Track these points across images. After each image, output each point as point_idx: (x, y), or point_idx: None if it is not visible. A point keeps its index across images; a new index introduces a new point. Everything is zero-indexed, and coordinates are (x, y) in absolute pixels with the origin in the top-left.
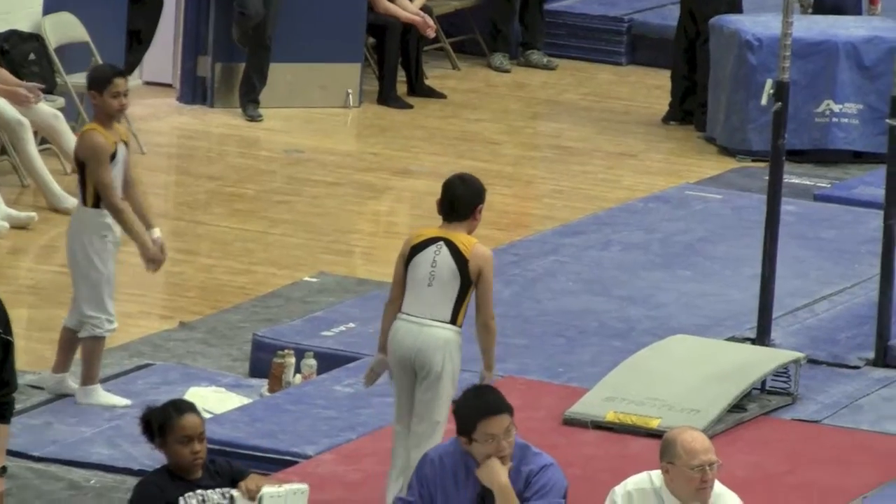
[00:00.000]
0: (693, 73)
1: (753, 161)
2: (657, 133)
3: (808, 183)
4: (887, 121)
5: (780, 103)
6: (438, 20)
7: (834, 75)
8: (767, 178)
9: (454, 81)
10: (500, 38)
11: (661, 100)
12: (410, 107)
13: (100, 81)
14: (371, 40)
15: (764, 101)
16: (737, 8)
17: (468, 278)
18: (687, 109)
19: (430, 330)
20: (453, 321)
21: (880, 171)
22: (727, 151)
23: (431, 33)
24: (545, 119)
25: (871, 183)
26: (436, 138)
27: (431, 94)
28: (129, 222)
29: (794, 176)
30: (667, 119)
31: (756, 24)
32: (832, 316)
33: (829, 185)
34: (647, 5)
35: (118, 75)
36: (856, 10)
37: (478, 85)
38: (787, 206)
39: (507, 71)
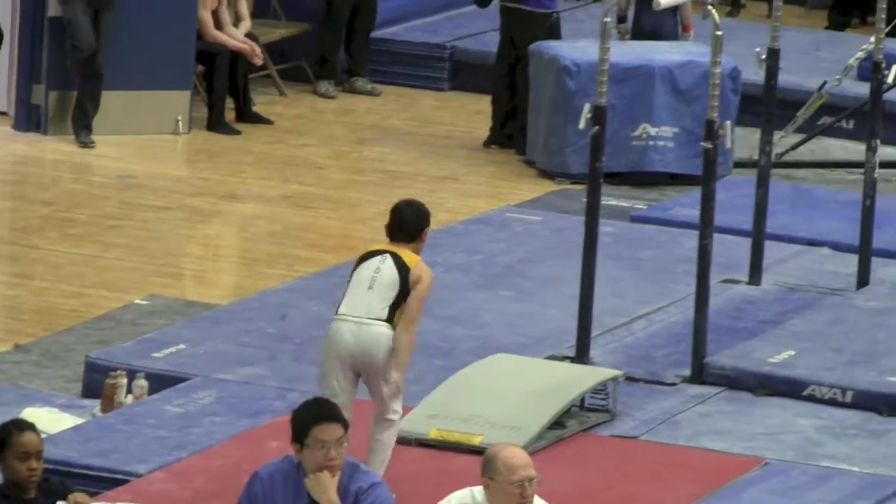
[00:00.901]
0: (513, 98)
1: (572, 183)
2: (479, 157)
3: (625, 204)
4: (702, 143)
5: (597, 127)
6: (265, 47)
7: (650, 99)
8: (586, 199)
9: (281, 108)
10: (325, 65)
11: (482, 124)
12: (238, 133)
13: None
14: (200, 68)
15: (582, 125)
16: (555, 34)
17: (407, 287)
18: (507, 133)
19: (370, 328)
20: (389, 321)
21: (695, 193)
22: (546, 174)
23: (259, 61)
24: (370, 144)
25: (686, 204)
26: (263, 163)
27: (259, 120)
28: None
29: (611, 198)
30: (488, 143)
31: (574, 49)
32: (649, 334)
33: (645, 207)
34: (469, 32)
35: None
36: (672, 36)
37: (304, 111)
38: (605, 228)
39: (332, 97)
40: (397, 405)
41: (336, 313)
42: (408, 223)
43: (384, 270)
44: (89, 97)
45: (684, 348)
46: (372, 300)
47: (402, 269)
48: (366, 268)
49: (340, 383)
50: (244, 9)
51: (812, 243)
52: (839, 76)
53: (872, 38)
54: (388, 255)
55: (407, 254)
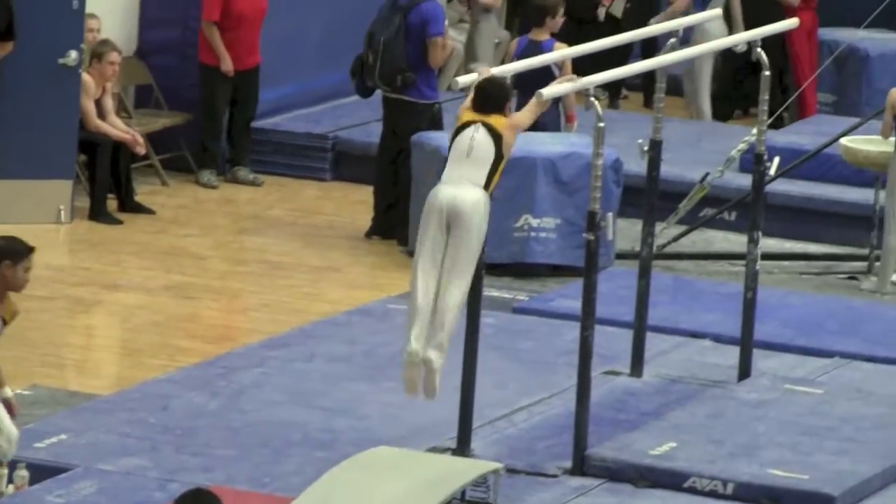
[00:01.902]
0: (395, 189)
1: None
2: (361, 247)
3: (507, 296)
4: (584, 235)
5: None
6: (148, 137)
7: (532, 190)
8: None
9: (163, 197)
10: (207, 155)
11: (364, 214)
12: (121, 222)
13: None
14: (82, 157)
15: None
16: (438, 125)
17: (501, 152)
18: (390, 224)
19: (466, 190)
20: (486, 187)
21: (577, 284)
22: None
23: (141, 150)
24: (252, 234)
25: (568, 295)
26: (145, 253)
27: (141, 209)
28: None
29: (493, 289)
30: (370, 233)
31: None
32: (531, 426)
33: (527, 298)
34: (351, 122)
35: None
36: (555, 127)
37: (186, 201)
38: (487, 319)
39: (214, 187)
40: (467, 270)
41: (440, 180)
42: (492, 97)
43: (478, 139)
44: None
45: (566, 440)
46: (468, 168)
47: (496, 136)
48: (463, 137)
49: (432, 238)
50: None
51: (694, 335)
52: (721, 168)
53: (755, 130)
54: (479, 125)
55: (498, 120)
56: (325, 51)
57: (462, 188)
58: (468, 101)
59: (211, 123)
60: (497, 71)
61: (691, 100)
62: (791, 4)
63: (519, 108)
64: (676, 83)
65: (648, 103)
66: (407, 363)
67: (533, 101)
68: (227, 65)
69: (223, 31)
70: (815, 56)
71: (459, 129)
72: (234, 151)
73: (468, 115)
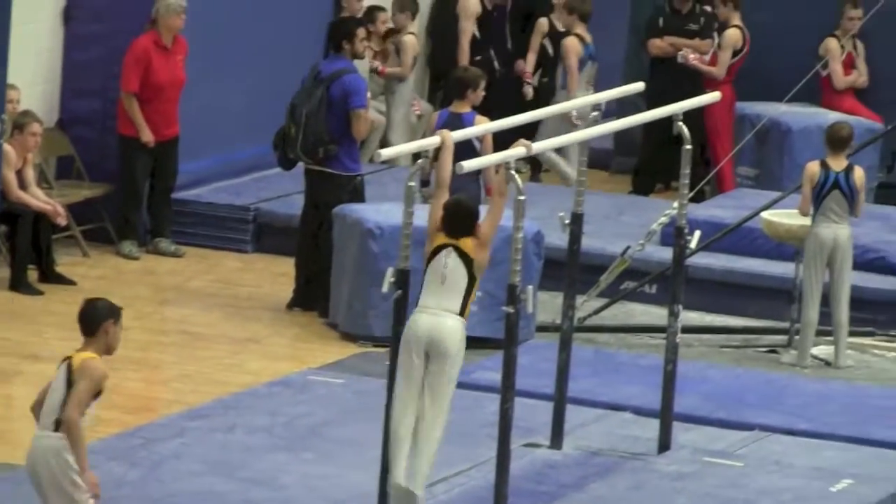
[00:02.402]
0: (317, 261)
1: (375, 346)
2: (282, 319)
3: None
4: (504, 308)
5: (400, 291)
6: (69, 208)
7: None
8: (388, 363)
9: (84, 268)
10: (128, 226)
11: (285, 286)
12: (41, 293)
13: None
14: (3, 227)
15: (385, 288)
16: (359, 197)
17: (473, 275)
18: (311, 296)
19: (444, 319)
20: (461, 314)
21: (498, 357)
22: (350, 337)
23: (63, 221)
24: (173, 305)
25: (489, 368)
26: (66, 324)
27: (62, 280)
28: None
29: None
30: (291, 305)
31: (378, 212)
32: (450, 498)
33: None
34: (273, 194)
35: None
36: (475, 200)
37: (107, 272)
38: None
39: (135, 258)
40: (447, 395)
41: (416, 305)
42: (462, 220)
43: (451, 265)
44: None
45: None
46: (444, 296)
47: (468, 261)
48: (436, 264)
49: (411, 366)
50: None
51: (614, 407)
52: (642, 241)
53: (675, 204)
54: (451, 249)
55: (467, 243)
56: (247, 122)
57: (440, 318)
58: (438, 222)
59: (131, 194)
60: (428, 142)
61: (551, 167)
62: (716, 78)
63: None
64: (597, 156)
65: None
66: (394, 497)
67: (491, 201)
68: (147, 136)
69: (142, 102)
70: (732, 129)
71: (433, 253)
72: (155, 222)
73: (440, 239)
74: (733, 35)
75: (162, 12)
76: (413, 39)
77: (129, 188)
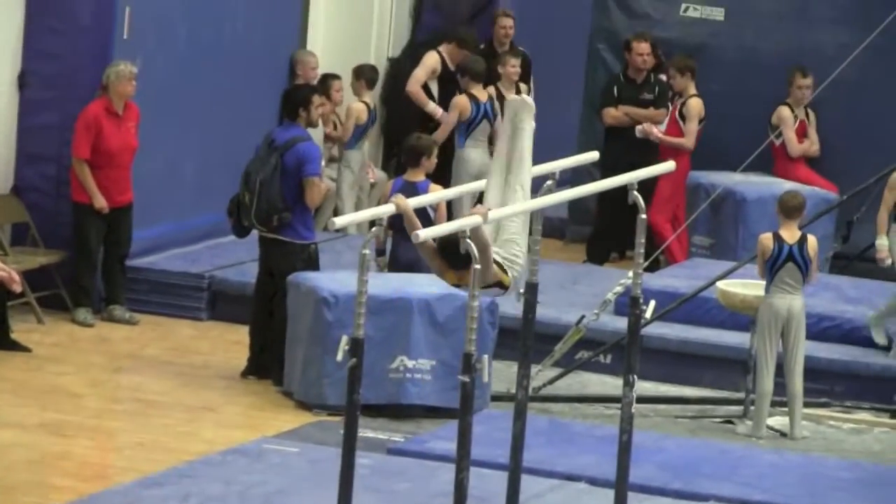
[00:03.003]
0: (271, 329)
1: (330, 415)
2: (236, 387)
3: (382, 437)
4: (459, 377)
5: (354, 359)
6: (24, 275)
7: (408, 332)
8: (343, 431)
9: (39, 335)
10: (82, 293)
11: (240, 354)
12: None
13: None
14: None
15: (339, 356)
16: (314, 265)
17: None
18: (265, 364)
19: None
20: None
21: (452, 426)
22: (304, 405)
23: (18, 288)
24: (127, 372)
25: (443, 437)
26: (21, 391)
27: (16, 347)
28: None
29: (368, 430)
30: (245, 373)
31: (333, 281)
32: None
33: (402, 439)
34: (227, 262)
35: None
36: (430, 269)
37: (62, 339)
38: (362, 460)
39: (90, 325)
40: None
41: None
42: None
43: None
44: None
45: None
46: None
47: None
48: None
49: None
50: None
51: (569, 478)
52: (597, 311)
53: (631, 273)
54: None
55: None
56: (201, 190)
57: None
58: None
59: (85, 261)
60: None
61: None
62: (687, 149)
63: (394, 248)
64: (551, 225)
65: None
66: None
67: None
68: (100, 202)
69: (94, 168)
70: (684, 198)
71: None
72: (109, 289)
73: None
74: (696, 105)
75: (112, 79)
76: (360, 106)
77: (83, 255)
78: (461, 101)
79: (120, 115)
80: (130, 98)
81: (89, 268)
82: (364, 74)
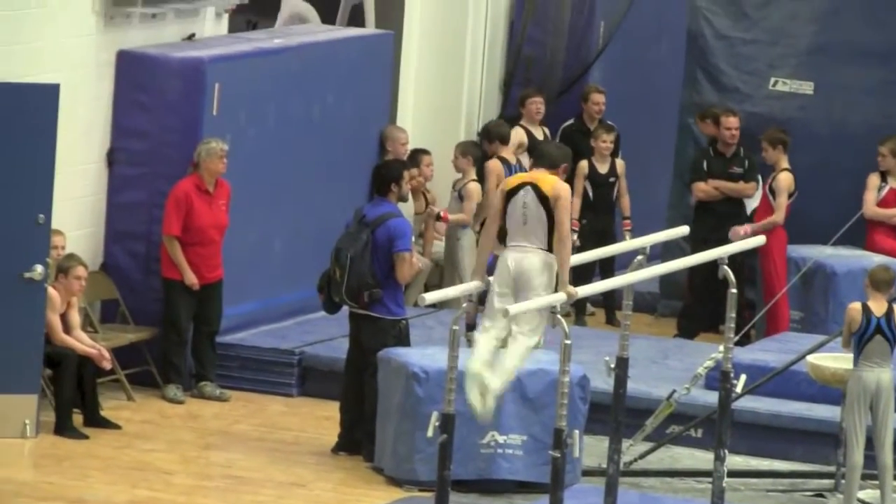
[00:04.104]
0: (362, 404)
1: (420, 491)
2: (327, 463)
3: None
4: (550, 452)
5: (445, 435)
6: (114, 352)
7: (499, 407)
8: None
9: (129, 412)
10: (172, 369)
11: (330, 430)
12: (86, 437)
13: None
14: (48, 371)
15: (430, 432)
16: (404, 341)
17: (551, 211)
18: (356, 440)
19: (529, 254)
20: (549, 249)
21: (544, 501)
22: (395, 481)
23: (108, 365)
24: (217, 449)
25: None
26: (111, 468)
27: (107, 424)
28: None
29: None
30: (336, 449)
31: (424, 356)
32: None
33: None
34: (318, 338)
35: None
36: None
37: (152, 416)
38: None
39: (181, 402)
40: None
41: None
42: (548, 153)
43: (529, 204)
44: None
45: None
46: (528, 234)
47: (543, 198)
48: (515, 204)
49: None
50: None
51: None
52: (688, 385)
53: (721, 347)
54: (528, 187)
55: (543, 179)
56: (291, 266)
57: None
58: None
59: (175, 338)
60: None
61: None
62: (778, 224)
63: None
64: (642, 299)
65: (610, 319)
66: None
67: None
68: (190, 278)
69: (185, 245)
70: (785, 272)
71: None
72: (200, 366)
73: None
74: (786, 178)
75: (203, 156)
76: (477, 187)
77: (172, 331)
78: (494, 165)
79: (211, 193)
80: (221, 175)
81: (179, 344)
82: (470, 151)
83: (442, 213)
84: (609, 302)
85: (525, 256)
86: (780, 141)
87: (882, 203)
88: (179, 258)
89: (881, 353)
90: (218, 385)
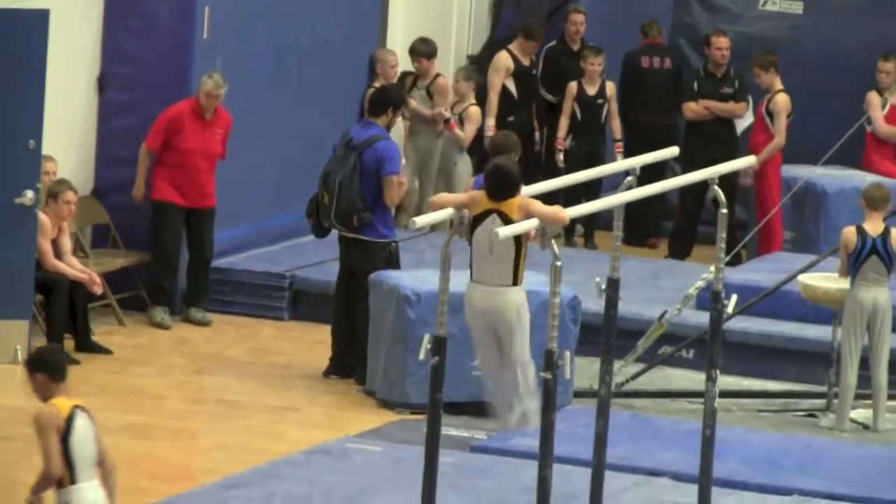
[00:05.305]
0: (353, 328)
1: (412, 413)
2: (319, 387)
3: (465, 434)
4: (541, 373)
5: (437, 357)
6: (105, 277)
7: None
8: (426, 430)
9: (120, 337)
10: (161, 292)
11: (322, 354)
12: (78, 362)
13: None
14: (39, 297)
15: (422, 356)
16: (395, 264)
17: (520, 240)
18: (348, 364)
19: (497, 294)
20: (515, 283)
21: None
22: (387, 404)
23: (99, 290)
24: (209, 373)
25: (526, 434)
26: (102, 393)
27: (98, 349)
28: None
29: (452, 428)
30: (328, 373)
31: (415, 279)
32: None
33: (485, 437)
34: (308, 261)
35: None
36: None
37: (143, 341)
38: (445, 458)
39: (167, 327)
40: (525, 352)
41: (470, 279)
42: (505, 182)
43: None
44: None
45: None
46: (495, 264)
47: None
48: (482, 231)
49: (482, 340)
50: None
51: (653, 473)
52: (679, 306)
53: (712, 268)
54: (494, 215)
55: (508, 206)
56: (281, 190)
57: (493, 294)
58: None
59: (163, 261)
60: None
61: None
62: (780, 147)
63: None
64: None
65: (588, 243)
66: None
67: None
68: (139, 190)
69: (172, 167)
70: (779, 192)
71: (477, 220)
72: (190, 292)
73: (482, 204)
74: (784, 100)
75: (202, 86)
76: (478, 110)
77: (160, 255)
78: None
79: (206, 120)
80: (210, 110)
81: (168, 268)
82: (473, 77)
83: (452, 121)
84: (589, 225)
85: (492, 299)
86: (771, 63)
87: (885, 120)
88: (142, 168)
89: (878, 273)
90: (204, 309)
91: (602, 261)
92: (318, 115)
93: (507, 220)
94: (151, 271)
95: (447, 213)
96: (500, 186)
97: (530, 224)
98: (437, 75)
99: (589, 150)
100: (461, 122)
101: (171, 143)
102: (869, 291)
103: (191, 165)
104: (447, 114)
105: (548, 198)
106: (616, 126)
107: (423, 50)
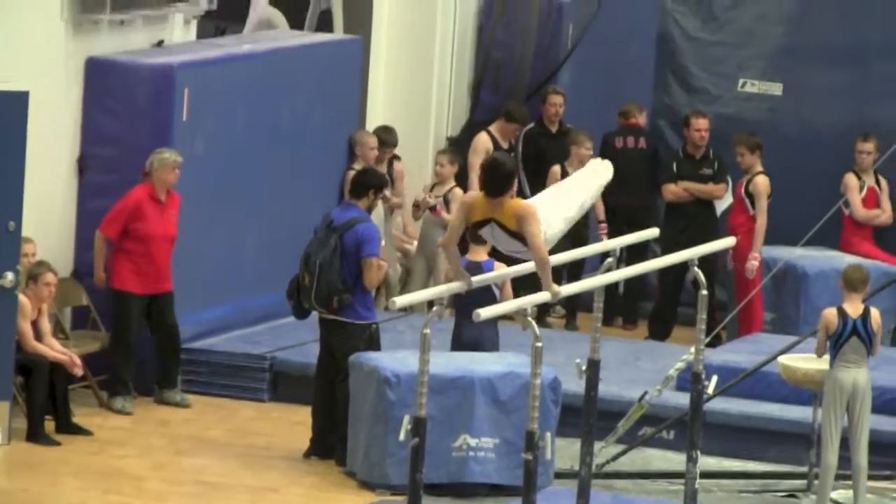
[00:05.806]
0: (333, 410)
1: (393, 495)
2: (299, 468)
3: None
4: (522, 454)
5: (417, 438)
6: (84, 358)
7: (470, 410)
8: None
9: (100, 419)
10: (119, 382)
11: (302, 435)
12: (58, 444)
13: None
14: (19, 379)
15: (402, 436)
16: (375, 345)
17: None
18: (328, 445)
19: None
20: None
21: (516, 503)
22: (367, 485)
23: (79, 371)
24: (189, 454)
25: None
26: (83, 474)
27: (78, 431)
28: None
29: None
30: (308, 454)
31: (394, 360)
32: None
33: None
34: (289, 343)
35: None
36: (493, 348)
37: (124, 422)
38: None
39: (129, 413)
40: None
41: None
42: (500, 175)
43: (498, 238)
44: None
45: None
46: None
47: (511, 232)
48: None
49: None
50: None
51: None
52: (659, 387)
53: (692, 349)
54: (492, 223)
55: (504, 213)
56: (262, 271)
57: None
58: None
59: (122, 350)
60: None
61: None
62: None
63: (455, 327)
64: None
65: (569, 323)
66: None
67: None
68: (98, 277)
69: (132, 254)
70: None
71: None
72: (162, 373)
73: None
74: (764, 182)
75: (156, 166)
76: (461, 193)
77: (119, 345)
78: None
79: (163, 202)
80: (173, 187)
81: (126, 357)
82: (458, 161)
83: (438, 207)
84: (570, 306)
85: None
86: (757, 145)
87: (863, 203)
88: (98, 257)
89: (858, 354)
90: (182, 391)
91: (582, 341)
92: (298, 197)
93: (503, 228)
94: (111, 362)
95: (428, 293)
96: (495, 180)
97: (511, 306)
98: (394, 158)
99: (573, 232)
100: (446, 204)
101: (131, 230)
102: (849, 372)
103: (153, 251)
104: (432, 200)
105: (531, 277)
106: (600, 208)
107: (387, 139)
